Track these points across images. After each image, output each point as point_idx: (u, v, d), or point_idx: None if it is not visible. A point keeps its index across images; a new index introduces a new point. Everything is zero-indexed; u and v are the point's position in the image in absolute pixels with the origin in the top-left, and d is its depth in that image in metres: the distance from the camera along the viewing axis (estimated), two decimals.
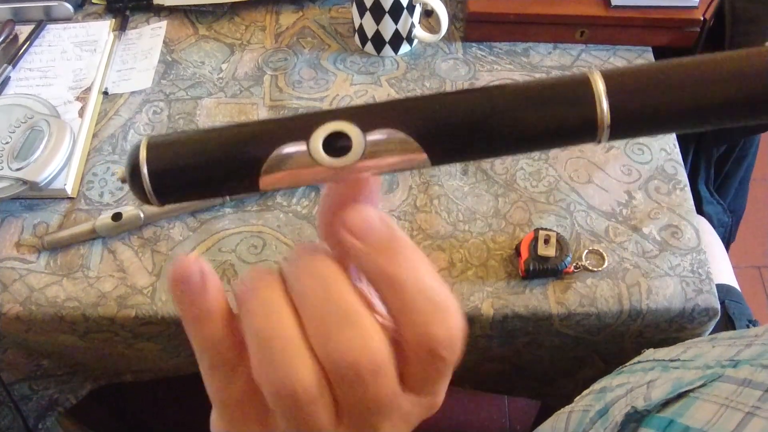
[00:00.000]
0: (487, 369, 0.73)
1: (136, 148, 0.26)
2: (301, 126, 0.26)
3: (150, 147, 0.26)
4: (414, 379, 0.26)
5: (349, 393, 0.25)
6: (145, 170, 0.26)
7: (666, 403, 0.41)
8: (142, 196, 0.26)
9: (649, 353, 0.52)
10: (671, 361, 0.47)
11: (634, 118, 0.26)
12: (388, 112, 0.26)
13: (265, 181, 0.26)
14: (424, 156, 0.26)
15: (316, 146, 0.25)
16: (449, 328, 0.25)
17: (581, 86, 0.26)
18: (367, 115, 0.26)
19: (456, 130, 0.26)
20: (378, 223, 0.25)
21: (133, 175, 0.26)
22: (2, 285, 0.62)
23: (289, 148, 0.25)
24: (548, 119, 0.26)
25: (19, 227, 0.66)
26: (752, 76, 0.25)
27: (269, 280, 0.26)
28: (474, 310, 0.59)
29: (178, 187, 0.27)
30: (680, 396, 0.41)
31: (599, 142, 0.26)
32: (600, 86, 0.25)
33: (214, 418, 0.28)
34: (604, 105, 0.25)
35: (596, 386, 0.51)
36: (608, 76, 0.25)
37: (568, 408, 0.52)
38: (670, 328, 0.61)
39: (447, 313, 0.25)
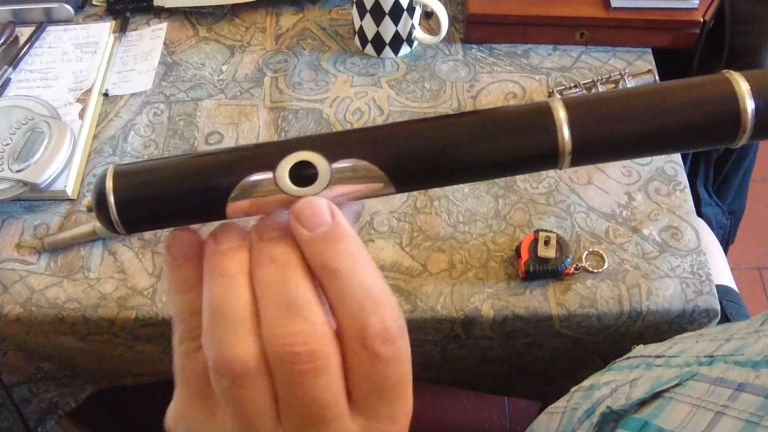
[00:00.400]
0: (488, 370, 0.73)
1: (103, 177, 0.26)
2: (267, 156, 0.26)
3: (117, 176, 0.26)
4: (359, 391, 0.26)
5: (287, 389, 0.25)
6: (111, 199, 0.26)
7: (643, 403, 0.42)
8: (109, 226, 0.26)
9: (639, 349, 0.52)
10: (657, 357, 0.47)
11: (594, 146, 0.26)
12: (353, 142, 0.26)
13: (232, 209, 0.26)
14: (389, 185, 0.26)
15: (282, 176, 0.25)
16: (383, 320, 0.25)
17: (543, 115, 0.26)
18: (333, 145, 0.26)
19: (420, 160, 0.26)
20: (324, 212, 0.25)
21: (99, 205, 0.26)
22: (2, 286, 0.62)
23: (256, 177, 0.26)
24: (510, 149, 0.26)
25: (20, 229, 0.66)
26: (710, 103, 0.26)
27: (237, 252, 0.26)
28: (474, 311, 0.59)
29: (145, 216, 0.26)
30: (656, 396, 0.41)
31: (560, 168, 0.27)
32: (561, 114, 0.26)
33: (170, 408, 0.28)
34: (565, 133, 0.26)
35: (586, 383, 0.51)
36: (569, 105, 0.26)
37: (561, 406, 0.52)
38: (670, 330, 0.61)
39: (382, 305, 0.25)
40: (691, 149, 0.28)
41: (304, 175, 0.25)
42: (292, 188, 0.25)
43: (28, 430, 0.75)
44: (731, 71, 0.27)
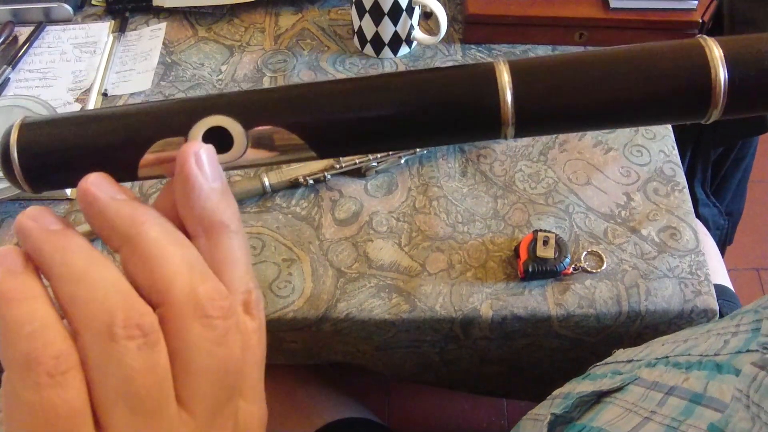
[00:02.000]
0: (486, 371, 0.73)
1: (9, 129, 0.24)
2: (181, 119, 0.24)
3: (23, 128, 0.24)
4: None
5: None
6: (15, 153, 0.24)
7: (588, 408, 0.42)
8: (14, 181, 0.25)
9: (618, 353, 0.52)
10: (628, 362, 0.47)
11: (540, 117, 0.24)
12: (271, 107, 0.24)
13: (144, 171, 0.25)
14: (309, 150, 0.25)
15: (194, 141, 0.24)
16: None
17: (485, 80, 0.23)
18: (251, 109, 0.24)
19: (343, 127, 0.24)
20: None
21: (3, 158, 0.24)
22: None
23: (169, 140, 0.24)
24: (447, 116, 0.24)
25: None
26: (677, 72, 0.23)
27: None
28: (473, 311, 0.59)
29: (51, 172, 0.25)
30: (599, 400, 0.41)
31: (505, 138, 0.24)
32: (505, 78, 0.23)
33: None
34: (508, 101, 0.23)
35: (565, 388, 0.52)
36: (515, 69, 0.23)
37: (542, 414, 0.52)
38: (668, 330, 0.61)
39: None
40: (656, 123, 0.26)
41: (218, 139, 0.24)
42: None
43: None
44: (705, 36, 0.23)
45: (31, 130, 0.24)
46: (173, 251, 0.23)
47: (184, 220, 0.24)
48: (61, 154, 0.24)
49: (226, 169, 0.25)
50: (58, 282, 0.23)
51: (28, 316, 0.22)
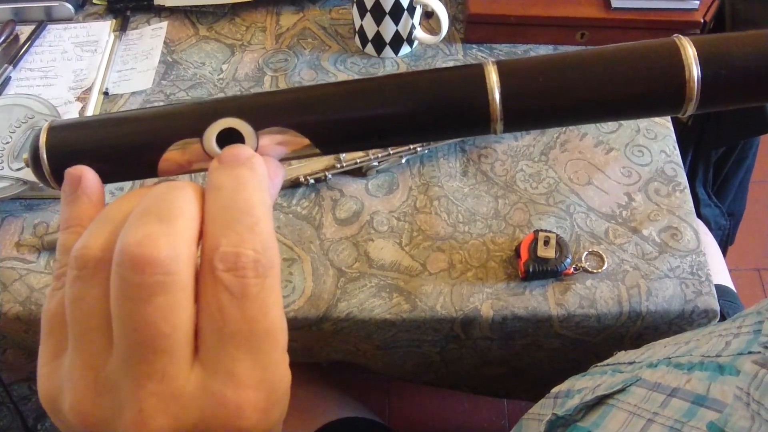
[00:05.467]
0: (487, 372, 0.73)
1: (38, 132, 0.27)
2: (196, 121, 0.26)
3: (51, 131, 0.27)
4: (201, 333, 0.22)
5: (121, 303, 0.21)
6: (44, 154, 0.27)
7: (591, 410, 0.42)
8: (43, 179, 0.27)
9: (619, 356, 0.52)
10: (629, 364, 0.47)
11: (526, 114, 0.26)
12: (279, 110, 0.27)
13: (163, 170, 0.27)
14: (313, 148, 0.27)
15: (209, 142, 0.26)
16: (238, 245, 0.22)
17: (475, 81, 0.26)
18: (260, 111, 0.27)
19: (345, 127, 0.26)
20: (242, 152, 0.25)
21: (34, 158, 0.27)
22: (2, 285, 0.62)
23: (185, 141, 0.26)
24: (439, 114, 0.26)
25: (19, 227, 0.66)
26: (654, 71, 0.25)
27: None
28: (473, 311, 0.59)
29: None
30: (601, 402, 0.41)
31: (495, 133, 0.26)
32: (493, 78, 0.25)
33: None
34: (497, 98, 0.25)
35: (564, 386, 0.51)
36: (503, 70, 0.25)
37: (535, 414, 0.52)
38: (669, 330, 0.61)
39: (248, 231, 0.22)
40: (636, 118, 0.28)
41: (230, 139, 0.26)
42: (219, 153, 0.26)
43: (27, 428, 0.75)
44: (680, 36, 0.25)
45: (57, 133, 0.27)
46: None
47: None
48: (86, 155, 0.27)
49: None
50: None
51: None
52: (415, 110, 0.26)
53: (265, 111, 0.26)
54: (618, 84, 0.25)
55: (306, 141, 0.26)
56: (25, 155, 0.28)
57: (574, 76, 0.25)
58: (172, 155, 0.26)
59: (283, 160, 0.27)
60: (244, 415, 0.22)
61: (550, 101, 0.25)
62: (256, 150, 0.26)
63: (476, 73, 0.25)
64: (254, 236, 0.22)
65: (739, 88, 0.24)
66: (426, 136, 0.27)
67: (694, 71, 0.24)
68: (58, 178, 0.27)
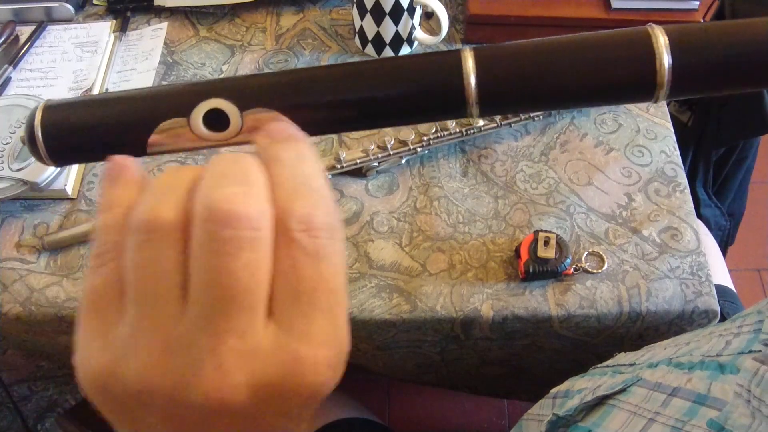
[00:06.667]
0: (487, 372, 0.73)
1: (34, 111, 0.28)
2: (184, 100, 0.28)
3: (46, 110, 0.28)
4: (276, 293, 0.23)
5: (205, 258, 0.22)
6: (39, 132, 0.28)
7: (592, 410, 0.42)
8: (38, 157, 0.29)
9: (620, 357, 0.52)
10: (629, 365, 0.47)
11: (501, 99, 0.27)
12: (263, 91, 0.28)
13: (153, 147, 0.28)
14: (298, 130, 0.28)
15: (196, 122, 0.27)
16: (309, 207, 0.23)
17: (451, 67, 0.26)
18: (245, 92, 0.27)
19: (328, 110, 0.27)
20: (292, 128, 0.26)
21: (29, 136, 0.28)
22: (2, 285, 0.62)
23: (173, 120, 0.27)
24: (416, 97, 0.27)
25: (20, 228, 0.66)
26: (626, 59, 0.25)
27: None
28: (473, 311, 0.59)
29: (71, 149, 0.29)
30: (602, 402, 0.41)
31: (471, 117, 0.27)
32: (470, 65, 0.26)
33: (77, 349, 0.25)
34: (472, 83, 0.26)
35: (563, 386, 0.51)
36: (480, 57, 0.26)
37: (535, 415, 0.52)
38: (669, 331, 0.61)
39: (315, 196, 0.23)
40: (609, 104, 0.28)
41: (218, 119, 0.27)
42: (205, 133, 0.27)
43: (27, 429, 0.75)
44: (654, 24, 0.25)
45: (52, 112, 0.28)
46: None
47: None
48: (79, 133, 0.28)
49: (224, 146, 0.28)
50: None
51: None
52: (395, 93, 0.27)
53: (250, 93, 0.27)
54: (590, 70, 0.25)
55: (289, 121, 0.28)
56: (22, 133, 0.29)
57: (548, 62, 0.26)
58: (162, 134, 0.27)
59: None
60: (319, 371, 0.22)
61: (523, 86, 0.26)
62: (240, 130, 0.27)
63: (453, 58, 0.26)
64: (323, 200, 0.24)
65: (711, 77, 0.25)
66: (406, 118, 0.28)
67: (665, 59, 0.24)
68: (53, 155, 0.28)
